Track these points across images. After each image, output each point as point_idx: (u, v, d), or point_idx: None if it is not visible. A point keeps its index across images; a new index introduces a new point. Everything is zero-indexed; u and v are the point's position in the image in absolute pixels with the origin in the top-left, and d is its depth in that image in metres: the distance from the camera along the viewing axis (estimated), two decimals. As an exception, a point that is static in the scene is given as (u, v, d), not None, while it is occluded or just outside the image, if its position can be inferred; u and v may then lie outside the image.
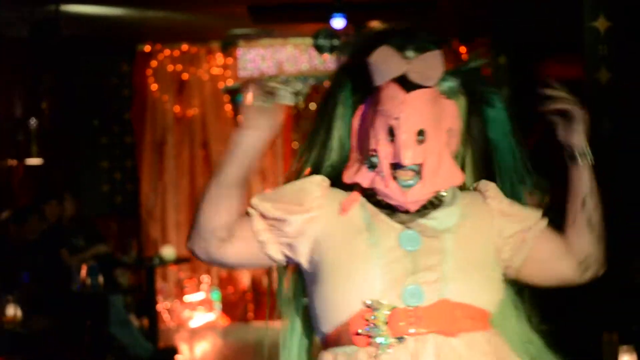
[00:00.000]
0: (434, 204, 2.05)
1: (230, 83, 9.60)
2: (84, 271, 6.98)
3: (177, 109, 9.64)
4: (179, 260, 8.71)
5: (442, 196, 2.07)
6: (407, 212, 2.02)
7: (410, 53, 2.01)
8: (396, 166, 1.99)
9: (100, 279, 7.03)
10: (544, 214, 2.32)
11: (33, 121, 8.32)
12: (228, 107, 9.68)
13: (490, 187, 2.13)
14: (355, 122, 2.09)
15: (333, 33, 7.78)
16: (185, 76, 9.61)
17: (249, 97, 2.11)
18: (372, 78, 2.00)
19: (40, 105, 8.80)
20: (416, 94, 1.98)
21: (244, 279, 9.45)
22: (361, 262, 1.98)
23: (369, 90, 2.04)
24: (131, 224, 9.65)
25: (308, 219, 2.03)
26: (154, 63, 9.57)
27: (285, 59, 9.53)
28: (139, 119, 9.63)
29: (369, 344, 1.96)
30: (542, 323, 4.45)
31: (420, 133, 1.99)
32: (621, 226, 5.09)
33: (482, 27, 7.95)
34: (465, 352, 1.98)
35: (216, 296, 9.55)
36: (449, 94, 2.06)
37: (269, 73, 9.47)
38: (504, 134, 2.21)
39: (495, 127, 2.19)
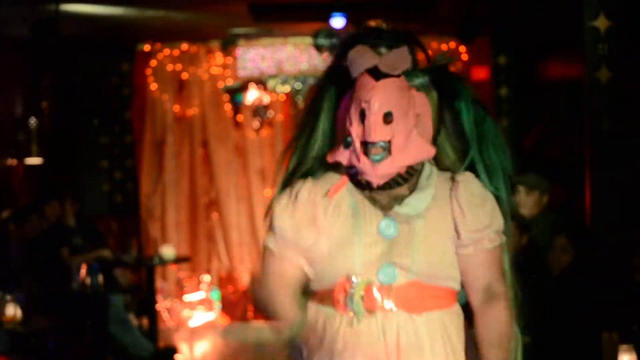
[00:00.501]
0: (409, 185, 2.37)
1: (230, 82, 9.62)
2: (83, 271, 6.97)
3: (176, 108, 9.63)
4: (178, 260, 8.73)
5: (417, 172, 2.37)
6: (385, 193, 2.35)
7: (381, 49, 2.35)
8: (367, 144, 2.30)
9: (100, 278, 7.02)
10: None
11: (33, 121, 8.32)
12: (228, 107, 9.66)
13: (463, 182, 2.36)
14: (339, 112, 2.39)
15: (333, 32, 7.78)
16: (185, 75, 9.60)
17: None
18: (350, 72, 2.32)
19: (40, 104, 8.80)
20: (384, 81, 2.30)
21: (244, 279, 9.47)
22: (346, 244, 2.34)
23: (350, 86, 2.34)
24: (131, 224, 9.65)
25: (311, 230, 2.37)
26: (153, 62, 9.56)
27: (285, 59, 9.52)
28: (138, 119, 9.62)
29: (346, 311, 2.32)
30: (542, 322, 4.44)
31: (388, 114, 2.29)
32: (621, 226, 5.27)
33: (482, 27, 7.89)
34: (423, 329, 2.31)
35: (216, 296, 9.54)
36: (420, 88, 2.35)
37: (268, 72, 9.49)
38: (476, 123, 2.39)
39: (466, 117, 2.38)
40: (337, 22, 7.37)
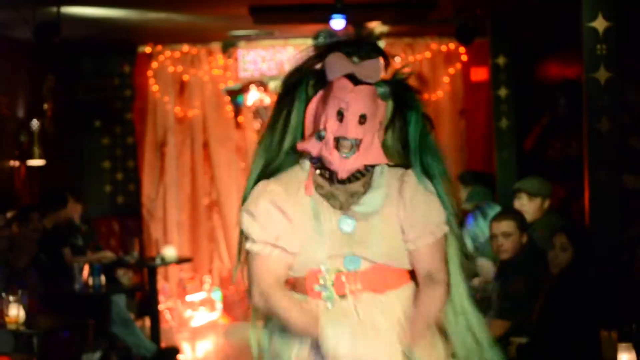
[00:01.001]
0: (363, 182, 2.69)
1: (231, 84, 9.61)
2: (86, 271, 6.96)
3: (178, 109, 9.64)
4: (180, 261, 8.72)
5: (370, 171, 2.70)
6: (342, 188, 2.67)
7: (355, 59, 2.67)
8: (339, 140, 2.62)
9: (103, 279, 7.02)
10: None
11: (35, 122, 8.32)
12: (229, 108, 9.66)
13: (408, 182, 2.70)
14: (309, 109, 2.69)
15: (333, 34, 7.76)
16: (186, 77, 9.60)
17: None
18: (327, 74, 2.65)
19: (42, 106, 8.81)
20: (361, 87, 2.63)
21: (245, 279, 9.38)
22: (311, 240, 2.66)
23: (320, 87, 2.69)
24: (133, 224, 9.70)
25: (280, 229, 2.69)
26: (154, 64, 9.55)
27: (286, 60, 9.50)
28: (140, 120, 9.63)
29: (320, 297, 2.66)
30: (541, 320, 4.42)
31: (363, 116, 2.62)
32: (621, 225, 5.29)
33: (481, 27, 7.89)
34: (387, 304, 2.66)
35: (218, 296, 9.54)
36: (382, 97, 2.68)
37: (269, 74, 9.50)
38: (421, 133, 2.72)
39: (414, 126, 2.72)
40: (337, 23, 7.36)
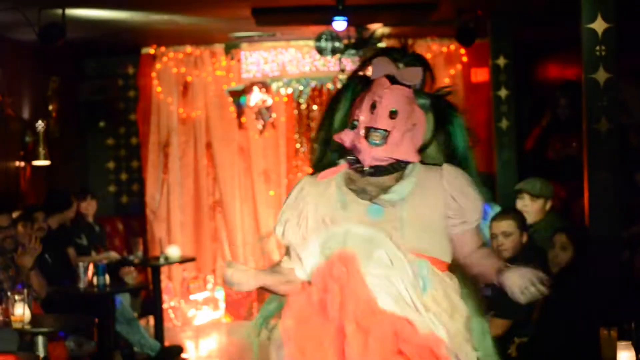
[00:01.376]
0: (396, 176, 2.87)
1: (233, 85, 9.60)
2: (90, 271, 6.99)
3: (181, 110, 9.63)
4: (184, 260, 8.70)
5: (404, 168, 2.88)
6: (374, 182, 2.85)
7: (400, 65, 2.90)
8: (370, 129, 2.83)
9: (107, 278, 7.04)
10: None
11: (40, 123, 8.33)
12: (232, 109, 9.64)
13: (450, 172, 2.89)
14: (353, 109, 2.91)
15: (335, 35, 7.78)
16: (189, 78, 9.59)
17: None
18: (372, 74, 2.89)
19: (47, 107, 8.82)
20: (397, 87, 2.86)
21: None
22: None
23: (365, 89, 2.90)
24: (137, 224, 9.69)
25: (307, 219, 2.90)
26: (158, 65, 9.55)
27: (288, 61, 9.53)
28: (144, 121, 9.61)
29: None
30: (542, 319, 4.55)
31: (394, 112, 2.82)
32: (621, 223, 5.34)
33: (481, 29, 7.90)
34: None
35: (221, 295, 9.54)
36: (422, 106, 2.88)
37: (271, 75, 9.51)
38: (462, 145, 2.96)
39: (455, 139, 2.94)
40: (339, 25, 7.38)
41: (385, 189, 2.86)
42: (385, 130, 2.83)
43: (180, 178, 9.62)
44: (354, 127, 2.87)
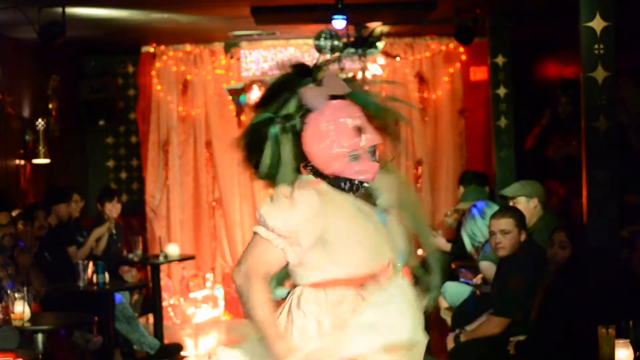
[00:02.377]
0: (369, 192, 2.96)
1: (233, 84, 9.58)
2: (90, 269, 6.99)
3: (181, 109, 9.61)
4: (183, 258, 8.70)
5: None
6: (361, 195, 2.89)
7: (316, 82, 2.92)
8: (371, 148, 2.88)
9: (107, 276, 7.03)
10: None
11: (40, 122, 8.33)
12: (231, 107, 9.62)
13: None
14: (307, 135, 2.86)
15: (334, 34, 7.77)
16: (189, 77, 9.57)
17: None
18: (312, 108, 2.85)
19: (47, 106, 8.82)
20: (346, 100, 2.88)
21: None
22: (366, 236, 2.83)
23: (292, 127, 2.86)
24: (137, 223, 9.68)
25: (313, 224, 2.79)
26: (158, 64, 9.53)
27: (287, 60, 9.49)
28: (143, 119, 9.59)
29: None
30: (540, 317, 4.54)
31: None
32: (619, 222, 5.35)
33: (480, 27, 7.95)
34: (410, 290, 2.89)
35: (220, 293, 9.55)
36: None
37: (271, 73, 9.48)
38: None
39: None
40: (339, 24, 7.37)
41: (369, 198, 2.95)
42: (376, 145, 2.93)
43: (180, 176, 9.61)
44: (356, 157, 2.87)
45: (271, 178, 2.88)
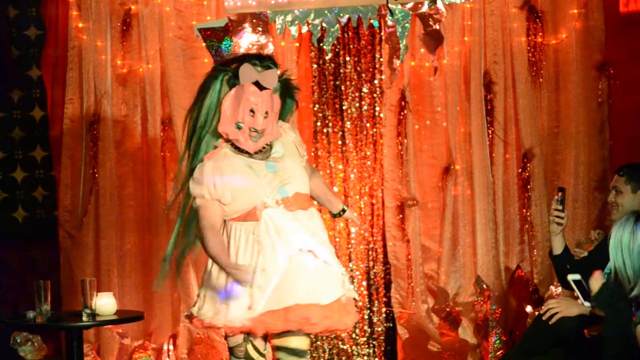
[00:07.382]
0: (269, 146, 5.36)
1: (209, 20, 8.22)
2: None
3: (119, 62, 8.34)
4: (124, 318, 7.53)
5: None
6: (259, 154, 5.34)
7: (259, 68, 5.33)
8: (251, 129, 5.25)
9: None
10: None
11: None
12: (205, 60, 8.15)
13: (285, 125, 5.48)
14: (226, 101, 5.29)
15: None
16: (133, 8, 8.27)
17: None
18: (240, 80, 5.28)
19: None
20: (265, 92, 5.23)
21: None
22: (255, 184, 5.25)
23: (232, 82, 5.33)
24: (41, 256, 8.67)
25: (224, 186, 5.25)
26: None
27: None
28: (54, 80, 8.45)
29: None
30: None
31: (266, 113, 5.25)
32: None
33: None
34: (307, 218, 5.28)
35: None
36: (275, 92, 5.35)
37: (273, 2, 8.08)
38: (288, 109, 5.60)
39: (286, 105, 5.58)
40: None
41: (266, 153, 5.26)
42: (263, 129, 5.15)
43: (117, 177, 8.36)
44: (239, 127, 5.13)
45: (199, 135, 5.24)
